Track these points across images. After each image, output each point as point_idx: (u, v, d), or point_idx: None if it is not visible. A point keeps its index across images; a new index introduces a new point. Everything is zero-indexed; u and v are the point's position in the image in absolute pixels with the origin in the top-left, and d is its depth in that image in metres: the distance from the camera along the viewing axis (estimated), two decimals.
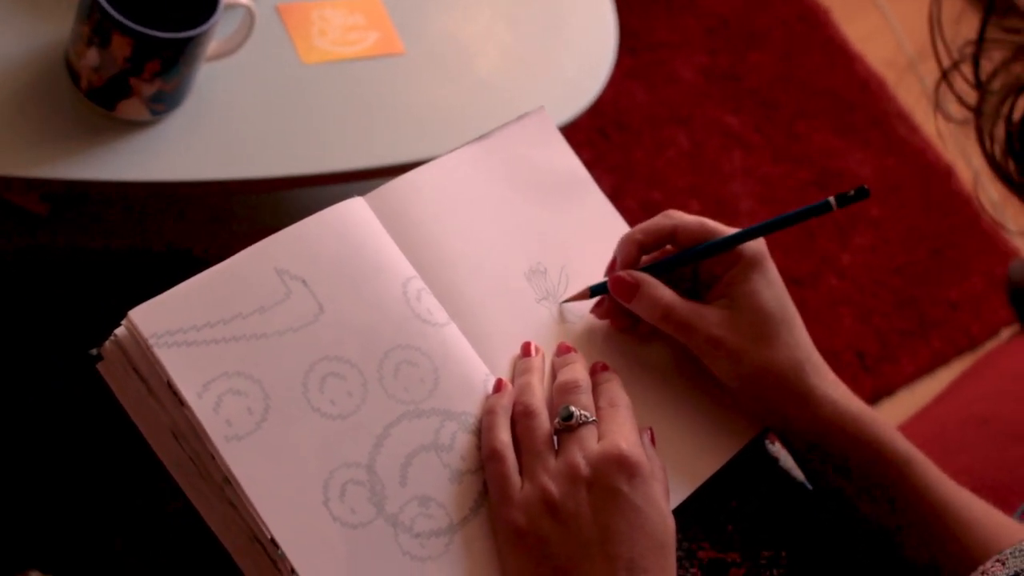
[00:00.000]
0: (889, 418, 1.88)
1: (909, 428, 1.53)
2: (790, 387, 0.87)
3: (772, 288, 0.87)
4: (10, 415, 1.34)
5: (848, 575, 0.92)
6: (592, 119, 2.12)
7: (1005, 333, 2.19)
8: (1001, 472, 1.25)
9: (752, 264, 0.87)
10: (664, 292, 0.87)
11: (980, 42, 0.58)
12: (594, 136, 2.11)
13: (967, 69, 0.59)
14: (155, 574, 1.09)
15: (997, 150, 0.59)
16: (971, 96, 0.59)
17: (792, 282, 2.11)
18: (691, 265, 0.90)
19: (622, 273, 0.88)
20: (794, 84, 2.33)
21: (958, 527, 0.87)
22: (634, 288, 0.87)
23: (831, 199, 0.86)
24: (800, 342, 0.88)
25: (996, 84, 0.58)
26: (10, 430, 1.33)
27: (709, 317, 0.86)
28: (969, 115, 0.59)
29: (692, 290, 0.90)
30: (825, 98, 2.34)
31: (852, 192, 0.85)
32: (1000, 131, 0.58)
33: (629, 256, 0.89)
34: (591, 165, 2.08)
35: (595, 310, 0.91)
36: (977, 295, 2.22)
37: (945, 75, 0.60)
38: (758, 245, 0.88)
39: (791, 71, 2.35)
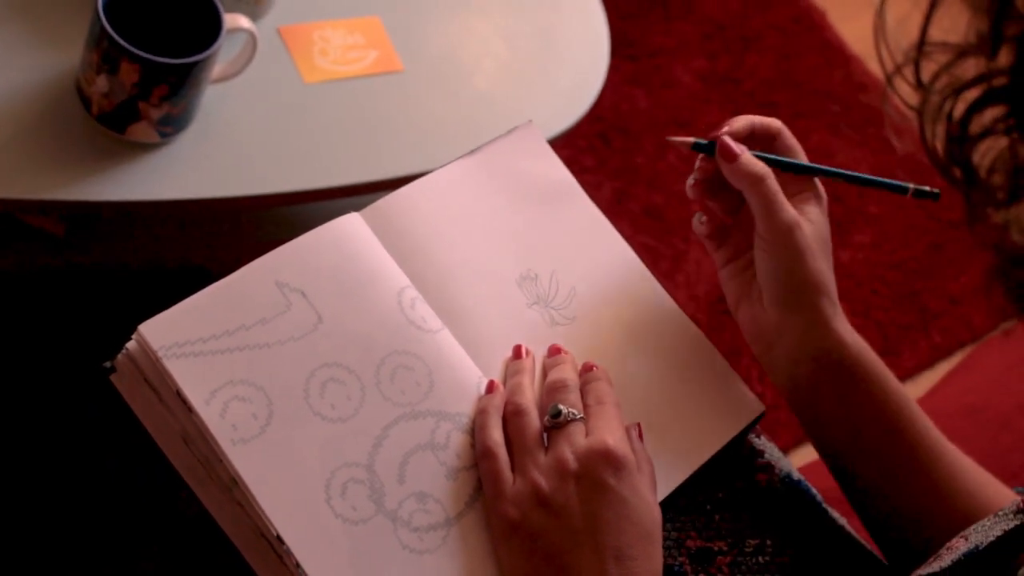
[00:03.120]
0: None
1: None
2: (817, 307, 0.92)
3: (826, 222, 0.94)
4: (30, 429, 1.38)
5: (830, 563, 0.96)
6: (594, 125, 2.16)
7: (1006, 326, 2.21)
8: (990, 460, 1.27)
9: (820, 196, 0.94)
10: (762, 164, 0.92)
11: (921, 46, 0.62)
12: (596, 142, 2.15)
13: (910, 72, 0.62)
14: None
15: (939, 147, 0.62)
16: (914, 97, 0.63)
17: None
18: (785, 172, 0.95)
19: (731, 142, 0.93)
20: (792, 85, 2.36)
21: (946, 474, 0.91)
22: (734, 156, 0.92)
23: (911, 185, 0.94)
24: (831, 275, 0.94)
25: (938, 85, 0.61)
26: (32, 443, 1.37)
27: (790, 206, 0.92)
28: (912, 115, 0.63)
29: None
30: (822, 98, 2.37)
31: (928, 189, 0.94)
32: (941, 130, 0.62)
33: (737, 134, 0.94)
34: (594, 171, 2.13)
35: (691, 189, 0.97)
36: (977, 288, 2.24)
37: (889, 79, 0.63)
38: (823, 191, 0.95)
39: (789, 73, 2.38)
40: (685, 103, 2.28)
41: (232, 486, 0.79)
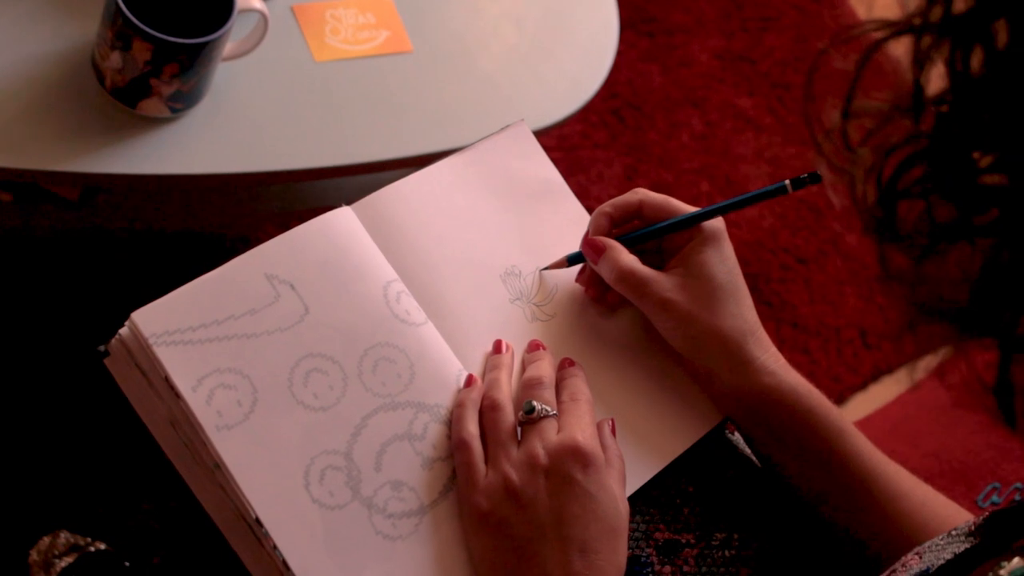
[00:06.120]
0: (888, 395, 1.94)
1: (884, 413, 1.58)
2: (732, 354, 0.95)
3: (725, 263, 0.96)
4: (41, 384, 1.42)
5: (795, 556, 0.99)
6: (608, 101, 2.18)
7: None
8: (967, 457, 1.30)
9: (709, 239, 0.96)
10: (625, 256, 0.95)
11: (846, 115, 0.64)
12: (609, 118, 2.17)
13: (838, 137, 0.65)
14: (179, 535, 1.17)
15: (869, 206, 0.64)
16: (843, 159, 0.65)
17: (798, 262, 2.17)
18: (656, 239, 0.98)
19: (592, 237, 0.97)
20: (807, 66, 2.37)
21: (884, 498, 0.93)
22: (601, 250, 0.96)
23: (787, 182, 0.95)
24: (746, 315, 0.96)
25: (867, 147, 0.63)
26: (41, 398, 1.41)
27: (663, 282, 0.95)
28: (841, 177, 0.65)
29: (657, 262, 0.98)
30: (838, 80, 2.38)
31: (806, 176, 0.94)
32: (871, 190, 0.64)
33: (600, 227, 0.98)
34: (605, 146, 2.15)
35: (579, 278, 1.00)
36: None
37: (818, 145, 0.65)
38: (717, 223, 0.97)
39: (805, 53, 2.39)
40: (699, 82, 2.29)
41: (215, 469, 0.83)
